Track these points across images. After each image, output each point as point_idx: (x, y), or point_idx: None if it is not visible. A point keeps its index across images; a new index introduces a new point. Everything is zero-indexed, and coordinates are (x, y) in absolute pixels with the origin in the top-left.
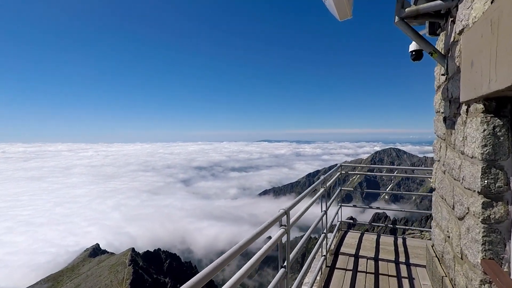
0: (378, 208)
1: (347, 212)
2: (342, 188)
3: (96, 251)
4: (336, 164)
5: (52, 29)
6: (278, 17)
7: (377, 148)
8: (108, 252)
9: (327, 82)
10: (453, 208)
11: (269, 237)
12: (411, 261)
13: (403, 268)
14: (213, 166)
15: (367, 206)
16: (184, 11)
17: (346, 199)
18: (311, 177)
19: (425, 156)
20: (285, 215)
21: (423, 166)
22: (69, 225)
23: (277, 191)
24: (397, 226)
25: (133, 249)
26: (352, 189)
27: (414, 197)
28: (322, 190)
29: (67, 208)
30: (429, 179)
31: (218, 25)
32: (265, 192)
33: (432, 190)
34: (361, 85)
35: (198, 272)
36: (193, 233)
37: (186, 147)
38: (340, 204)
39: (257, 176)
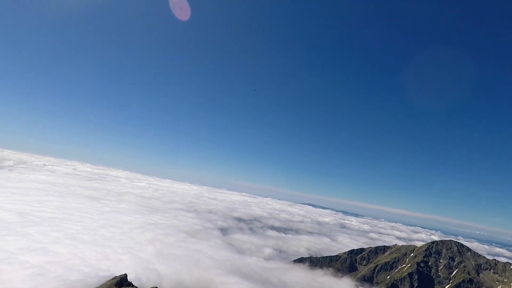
0: None
1: None
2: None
3: (122, 281)
4: (384, 246)
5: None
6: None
7: (435, 238)
8: (133, 286)
9: (383, 156)
10: None
11: None
12: None
13: None
14: (253, 220)
15: None
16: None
17: None
18: (353, 254)
19: (495, 259)
20: None
21: (491, 271)
22: (107, 249)
23: (314, 262)
24: None
25: None
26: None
27: None
28: None
29: (110, 232)
30: None
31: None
32: (301, 260)
33: None
34: (421, 164)
35: None
36: (218, 287)
37: (230, 196)
38: None
39: (295, 240)
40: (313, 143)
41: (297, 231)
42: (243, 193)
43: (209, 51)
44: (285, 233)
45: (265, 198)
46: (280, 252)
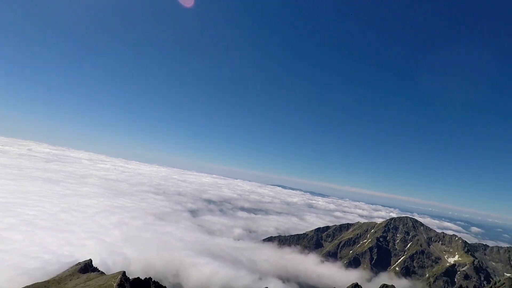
0: None
1: (351, 277)
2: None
3: (87, 267)
4: (348, 224)
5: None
6: (307, 70)
7: (393, 215)
8: (98, 271)
9: (348, 140)
10: None
11: None
12: None
13: None
14: (223, 202)
15: None
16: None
17: (354, 262)
18: (320, 232)
19: (443, 232)
20: None
21: (440, 242)
22: (69, 234)
23: (283, 240)
24: None
25: (124, 272)
26: None
27: (427, 275)
28: None
29: (72, 216)
30: (445, 257)
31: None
32: (270, 239)
33: (449, 270)
34: (381, 147)
35: None
36: (188, 268)
37: (200, 178)
38: None
39: (265, 220)
40: (282, 127)
41: (266, 212)
42: (213, 175)
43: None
44: (255, 214)
45: (235, 180)
46: (250, 232)
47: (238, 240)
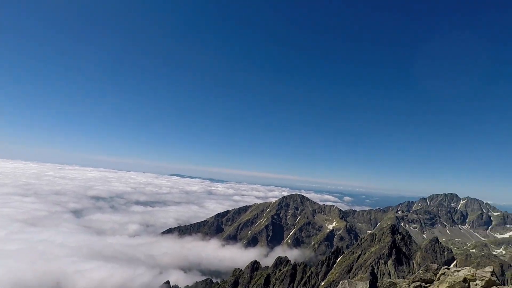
0: None
1: (250, 256)
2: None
3: None
4: (246, 206)
5: None
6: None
7: (285, 193)
8: None
9: (241, 123)
10: None
11: (167, 282)
12: None
13: None
14: (114, 197)
15: None
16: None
17: (252, 241)
18: (220, 217)
19: (324, 204)
20: None
21: (322, 213)
22: None
23: (183, 230)
24: None
25: None
26: None
27: (313, 242)
28: None
29: None
30: (326, 225)
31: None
32: (169, 231)
33: (328, 235)
34: (272, 132)
35: None
36: (73, 277)
37: (84, 172)
38: None
39: (163, 212)
40: (177, 112)
41: (164, 203)
42: (101, 169)
43: None
44: (152, 207)
45: (128, 172)
46: (147, 226)
47: (134, 236)
